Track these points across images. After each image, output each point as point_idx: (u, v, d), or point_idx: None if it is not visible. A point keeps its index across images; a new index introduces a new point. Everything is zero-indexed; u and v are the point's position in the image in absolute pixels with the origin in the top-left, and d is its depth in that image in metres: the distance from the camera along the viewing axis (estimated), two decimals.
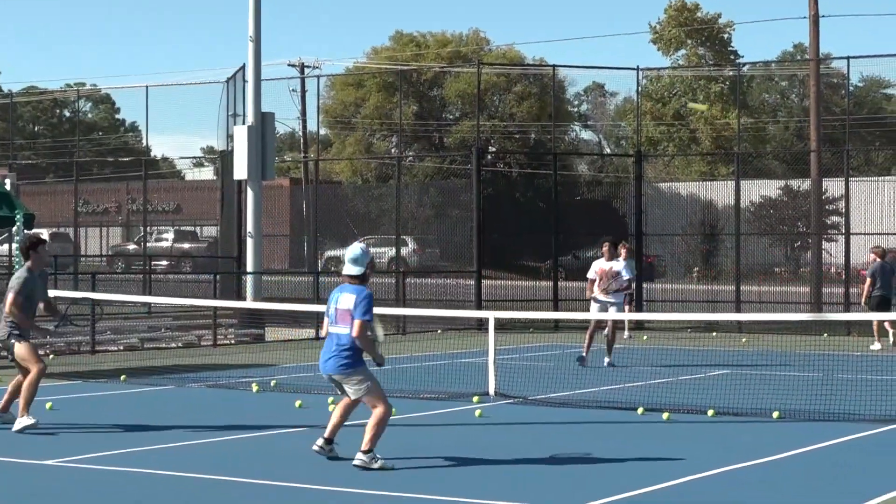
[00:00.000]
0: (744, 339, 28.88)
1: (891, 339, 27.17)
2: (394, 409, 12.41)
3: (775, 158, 63.43)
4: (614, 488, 10.88)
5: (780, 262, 47.48)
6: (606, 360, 22.33)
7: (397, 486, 10.96)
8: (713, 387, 18.80)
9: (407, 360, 23.42)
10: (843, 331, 30.95)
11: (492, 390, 17.53)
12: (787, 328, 30.84)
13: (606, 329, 22.57)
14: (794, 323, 30.04)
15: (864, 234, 35.55)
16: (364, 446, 11.89)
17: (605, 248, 22.96)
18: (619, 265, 22.64)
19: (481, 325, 29.40)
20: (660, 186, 53.67)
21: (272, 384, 18.87)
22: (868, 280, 27.11)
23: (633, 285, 27.83)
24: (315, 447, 12.29)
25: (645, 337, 29.79)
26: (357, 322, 11.97)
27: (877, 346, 26.67)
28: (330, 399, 16.64)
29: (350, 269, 12.28)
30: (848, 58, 35.39)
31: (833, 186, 43.17)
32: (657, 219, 42.43)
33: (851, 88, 48.40)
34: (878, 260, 27.15)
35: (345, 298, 12.18)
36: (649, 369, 21.56)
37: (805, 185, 46.86)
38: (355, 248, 12.34)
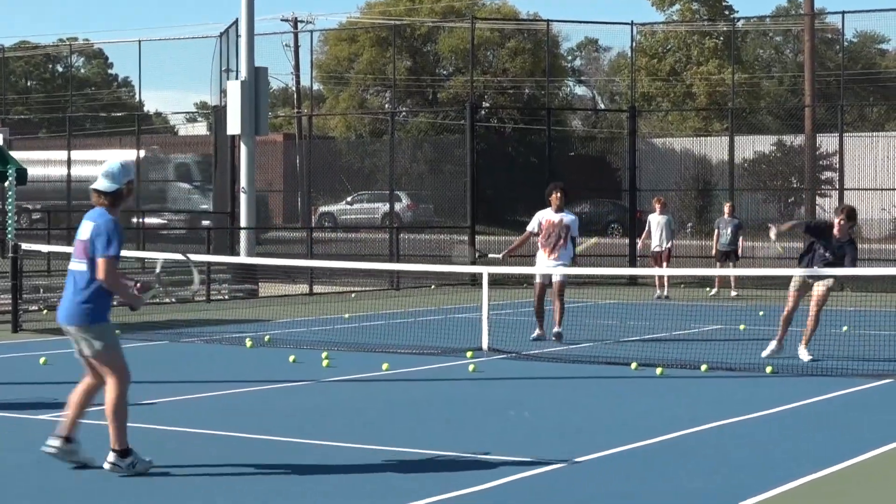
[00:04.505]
0: (734, 294, 28.82)
1: (716, 289, 28.83)
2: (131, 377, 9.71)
3: (769, 114, 63.29)
4: (607, 443, 10.92)
5: (774, 217, 47.48)
6: (555, 329, 18.60)
7: (390, 442, 10.98)
8: (707, 342, 18.87)
9: (401, 316, 23.52)
10: (836, 285, 30.88)
11: (485, 345, 17.55)
12: (781, 283, 30.79)
13: (554, 291, 18.58)
14: (788, 278, 29.97)
15: (858, 189, 35.58)
16: (115, 444, 9.41)
17: (553, 196, 18.58)
18: (568, 217, 18.55)
19: (475, 280, 29.42)
20: (654, 142, 53.68)
21: (266, 339, 18.89)
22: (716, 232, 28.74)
23: (667, 246, 27.89)
24: (49, 448, 9.47)
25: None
26: (100, 261, 9.20)
27: (714, 291, 28.68)
28: (324, 354, 16.68)
29: (100, 183, 9.38)
30: (843, 13, 35.34)
31: (827, 142, 43.21)
32: (651, 174, 42.41)
33: (846, 44, 48.23)
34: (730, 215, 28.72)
35: (84, 227, 9.39)
36: (643, 324, 21.57)
37: (799, 140, 46.90)
38: (114, 163, 9.47)
